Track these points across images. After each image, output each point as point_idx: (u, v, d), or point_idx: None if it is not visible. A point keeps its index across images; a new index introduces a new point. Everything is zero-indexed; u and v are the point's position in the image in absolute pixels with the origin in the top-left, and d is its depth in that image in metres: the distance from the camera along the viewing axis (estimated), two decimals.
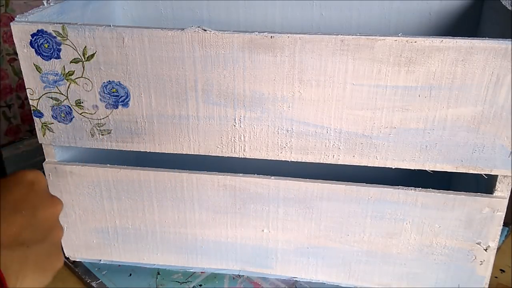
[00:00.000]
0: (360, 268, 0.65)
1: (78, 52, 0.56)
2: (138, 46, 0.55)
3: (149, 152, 0.61)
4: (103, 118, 0.60)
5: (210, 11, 0.82)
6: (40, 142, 0.62)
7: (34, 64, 0.57)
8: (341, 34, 0.51)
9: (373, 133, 0.56)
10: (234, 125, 0.58)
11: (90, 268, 0.70)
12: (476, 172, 0.56)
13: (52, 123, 0.61)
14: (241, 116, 0.57)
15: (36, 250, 0.38)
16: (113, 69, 0.56)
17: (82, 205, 0.66)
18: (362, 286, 0.66)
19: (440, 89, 0.53)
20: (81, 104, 0.59)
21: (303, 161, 0.59)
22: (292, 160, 0.59)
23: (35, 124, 0.61)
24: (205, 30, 0.53)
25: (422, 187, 0.59)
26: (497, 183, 0.57)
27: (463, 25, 0.77)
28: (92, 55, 0.56)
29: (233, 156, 0.60)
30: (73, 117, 0.60)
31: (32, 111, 0.60)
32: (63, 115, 0.60)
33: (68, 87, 0.58)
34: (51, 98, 0.59)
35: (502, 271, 0.71)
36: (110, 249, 0.69)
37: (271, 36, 0.52)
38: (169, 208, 0.65)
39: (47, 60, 0.57)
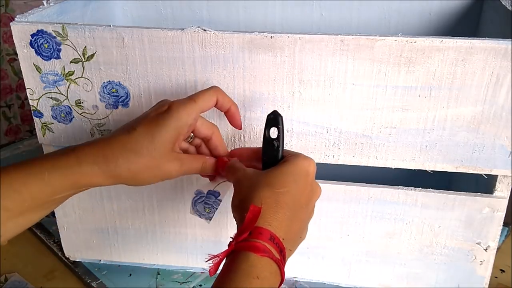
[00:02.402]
0: (360, 268, 0.65)
1: (78, 52, 0.56)
2: (138, 46, 0.55)
3: None
4: (103, 118, 0.60)
5: (210, 11, 0.82)
6: (40, 142, 0.62)
7: (34, 64, 0.57)
8: (341, 34, 0.51)
9: (373, 133, 0.56)
10: None
11: (90, 268, 0.70)
12: (476, 172, 0.56)
13: (52, 123, 0.61)
14: (241, 116, 0.57)
15: None
16: (113, 69, 0.56)
17: (82, 205, 0.66)
18: (362, 286, 0.66)
19: (440, 89, 0.53)
20: (81, 104, 0.59)
21: None
22: None
23: (35, 124, 0.61)
24: (205, 30, 0.53)
25: (422, 187, 0.59)
26: (497, 183, 0.57)
27: (463, 25, 0.77)
28: (92, 55, 0.56)
29: None
30: (73, 117, 0.60)
31: (32, 111, 0.60)
32: (63, 115, 0.60)
33: (68, 87, 0.58)
34: (51, 98, 0.59)
35: (502, 271, 0.71)
36: (110, 249, 0.69)
37: (271, 36, 0.52)
38: (169, 208, 0.65)
39: (47, 60, 0.57)
